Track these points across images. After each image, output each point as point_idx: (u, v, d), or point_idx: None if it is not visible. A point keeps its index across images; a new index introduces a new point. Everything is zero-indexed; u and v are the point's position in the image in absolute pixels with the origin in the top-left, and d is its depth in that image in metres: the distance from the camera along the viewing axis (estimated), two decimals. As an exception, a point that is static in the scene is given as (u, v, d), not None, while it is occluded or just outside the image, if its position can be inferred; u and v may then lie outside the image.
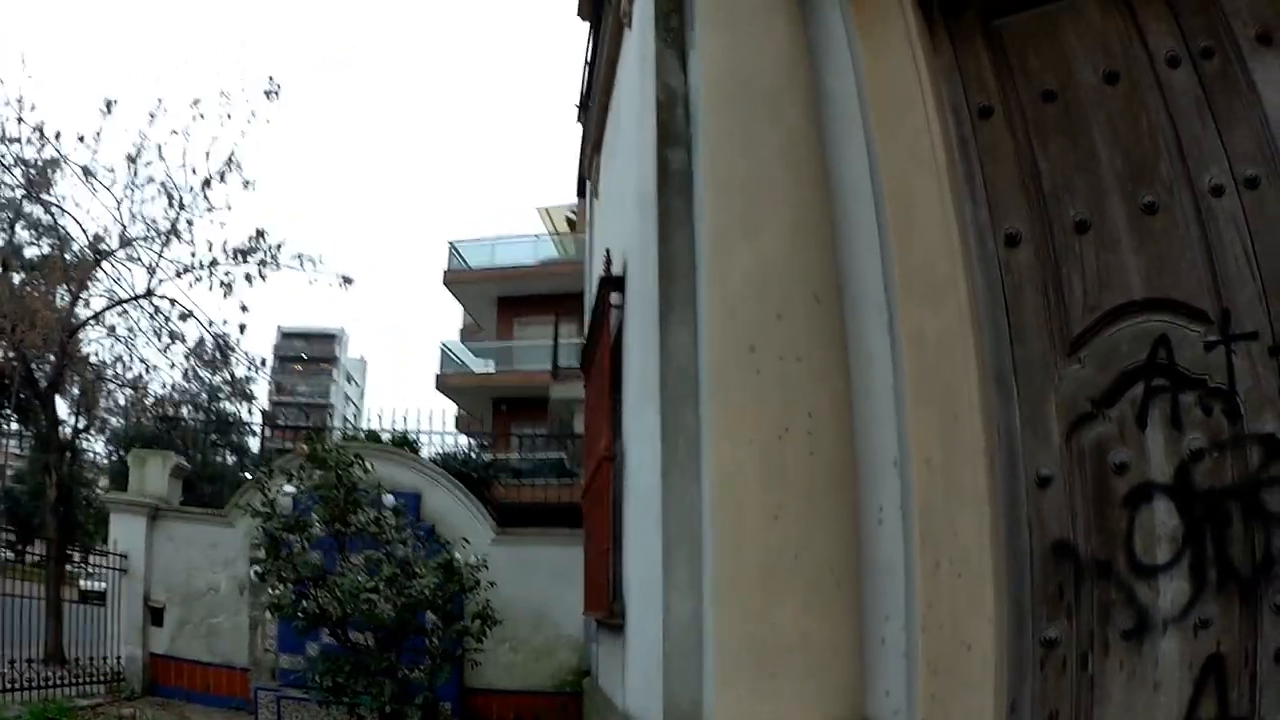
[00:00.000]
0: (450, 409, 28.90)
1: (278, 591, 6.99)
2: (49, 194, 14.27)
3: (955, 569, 3.53)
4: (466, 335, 31.30)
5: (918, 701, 3.52)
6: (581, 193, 12.15)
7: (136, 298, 14.65)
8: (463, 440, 22.65)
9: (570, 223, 29.32)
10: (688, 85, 4.93)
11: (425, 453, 14.02)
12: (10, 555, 20.19)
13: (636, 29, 6.15)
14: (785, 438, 3.45)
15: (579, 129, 10.00)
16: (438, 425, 45.19)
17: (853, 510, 3.58)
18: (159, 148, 14.50)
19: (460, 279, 28.46)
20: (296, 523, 7.24)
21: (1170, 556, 3.53)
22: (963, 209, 3.88)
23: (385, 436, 13.62)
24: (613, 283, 6.48)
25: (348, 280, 15.42)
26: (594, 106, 8.37)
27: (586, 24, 9.30)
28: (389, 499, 7.95)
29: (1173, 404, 3.60)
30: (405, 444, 13.24)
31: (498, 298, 28.64)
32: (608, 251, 6.66)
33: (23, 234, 15.24)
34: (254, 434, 24.50)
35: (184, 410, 17.11)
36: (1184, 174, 3.72)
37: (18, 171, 14.03)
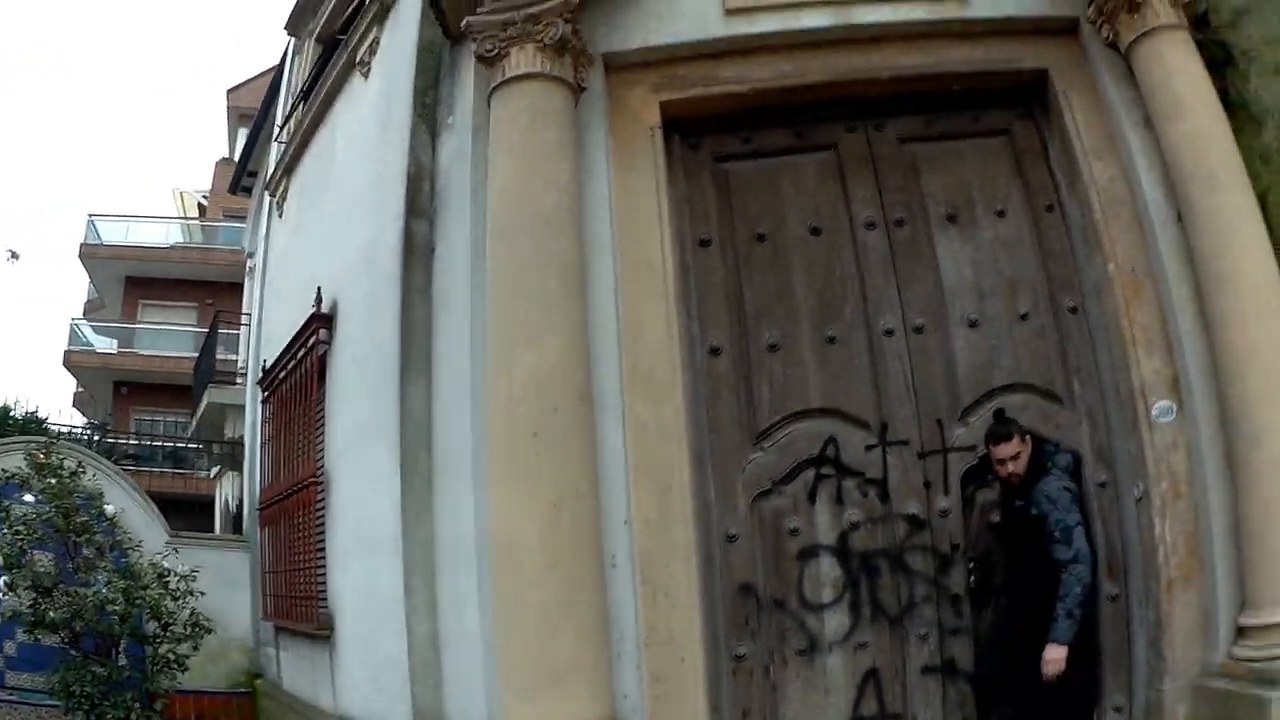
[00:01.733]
0: (71, 387, 26.46)
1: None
2: None
3: (670, 601, 4.55)
4: (88, 311, 28.57)
5: (645, 702, 4.47)
6: (233, 189, 11.83)
7: None
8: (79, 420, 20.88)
9: (201, 208, 27.94)
10: (435, 163, 5.49)
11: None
12: None
13: (376, 85, 6.48)
14: (559, 505, 4.14)
15: (225, 113, 9.90)
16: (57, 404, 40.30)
17: (599, 559, 4.36)
18: None
19: (94, 254, 26.16)
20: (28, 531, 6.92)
21: (834, 597, 4.82)
22: (681, 323, 4.82)
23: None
24: (322, 319, 6.73)
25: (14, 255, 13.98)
26: (295, 131, 8.35)
27: (289, 38, 9.36)
28: (110, 508, 7.76)
29: (837, 487, 4.87)
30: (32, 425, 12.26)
31: (126, 277, 26.60)
32: (319, 289, 6.89)
33: None
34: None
35: None
36: (864, 317, 4.96)
37: None
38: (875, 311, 4.97)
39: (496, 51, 4.72)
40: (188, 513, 13.72)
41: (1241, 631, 4.44)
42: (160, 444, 19.05)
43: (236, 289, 17.02)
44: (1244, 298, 4.46)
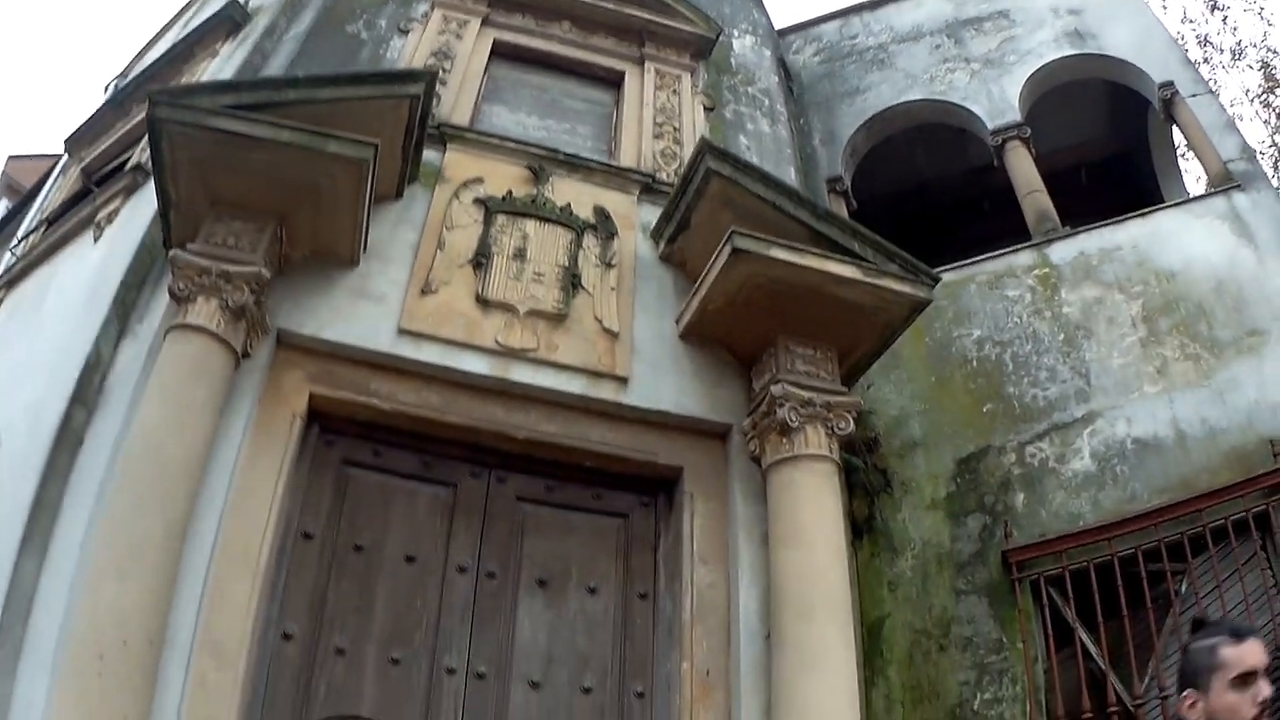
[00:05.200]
0: None
1: None
2: None
3: None
4: None
5: None
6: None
7: None
8: None
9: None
10: (114, 360, 5.45)
11: None
12: None
13: (99, 255, 6.44)
14: None
15: None
16: None
17: None
18: None
19: None
20: None
21: None
22: (263, 604, 4.81)
23: None
24: None
25: None
26: (28, 251, 7.97)
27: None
28: None
29: None
30: None
31: None
32: None
33: None
34: None
35: None
36: (431, 649, 5.01)
37: None
38: (443, 648, 5.04)
39: (187, 294, 4.93)
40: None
41: None
42: None
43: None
44: None
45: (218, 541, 4.80)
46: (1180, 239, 7.22)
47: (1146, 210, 7.64)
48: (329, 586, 5.11)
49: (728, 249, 5.21)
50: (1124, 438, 6.34)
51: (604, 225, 6.12)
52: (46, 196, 9.50)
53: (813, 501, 5.11)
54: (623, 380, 5.52)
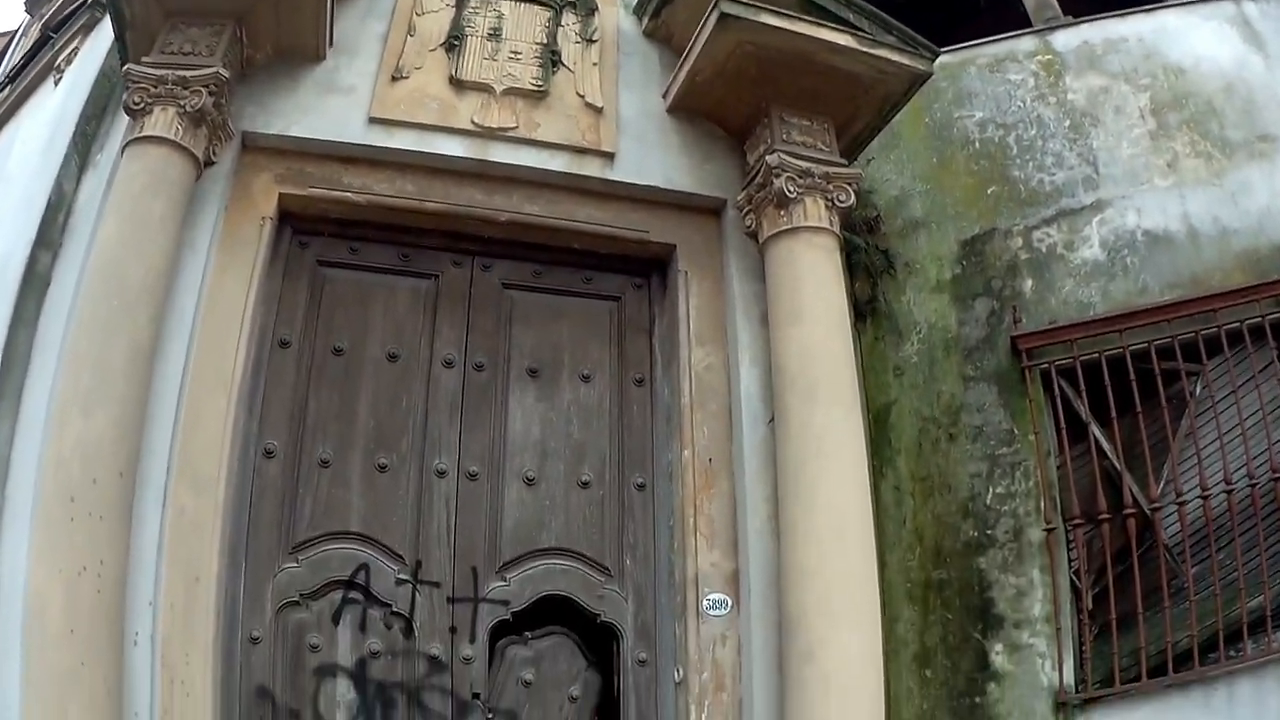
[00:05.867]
0: None
1: None
2: None
3: (185, 689, 4.33)
4: None
5: None
6: None
7: None
8: None
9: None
10: (76, 197, 5.23)
11: None
12: None
13: (59, 98, 6.21)
14: (83, 574, 3.95)
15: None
16: None
17: (121, 635, 4.15)
18: None
19: None
20: None
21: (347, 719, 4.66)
22: (240, 420, 4.65)
23: None
24: None
25: None
26: None
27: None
28: None
29: (363, 614, 4.71)
30: None
31: None
32: None
33: None
34: None
35: None
36: (420, 453, 4.84)
37: None
38: (431, 450, 4.87)
39: (142, 106, 4.60)
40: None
41: None
42: None
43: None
44: (819, 513, 4.44)
45: (189, 361, 4.59)
46: (1187, 38, 6.85)
47: (1152, 6, 7.23)
48: (309, 395, 4.91)
49: (714, 15, 4.84)
50: (1134, 228, 6.08)
51: (583, 1, 5.71)
52: (9, 59, 9.22)
53: (813, 276, 4.85)
54: (609, 156, 5.23)
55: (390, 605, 4.75)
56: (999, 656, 5.25)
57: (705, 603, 4.73)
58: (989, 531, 5.51)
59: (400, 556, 4.78)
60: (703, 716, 4.65)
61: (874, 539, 4.67)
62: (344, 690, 4.69)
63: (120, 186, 4.59)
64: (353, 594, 4.76)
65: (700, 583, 4.75)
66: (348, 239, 5.12)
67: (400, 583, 4.76)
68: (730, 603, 4.76)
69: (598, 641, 5.03)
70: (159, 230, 4.47)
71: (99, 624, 4.05)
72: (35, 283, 5.12)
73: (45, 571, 4.04)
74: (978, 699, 5.24)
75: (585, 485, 4.96)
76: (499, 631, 4.85)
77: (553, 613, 4.95)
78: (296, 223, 5.06)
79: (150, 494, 4.39)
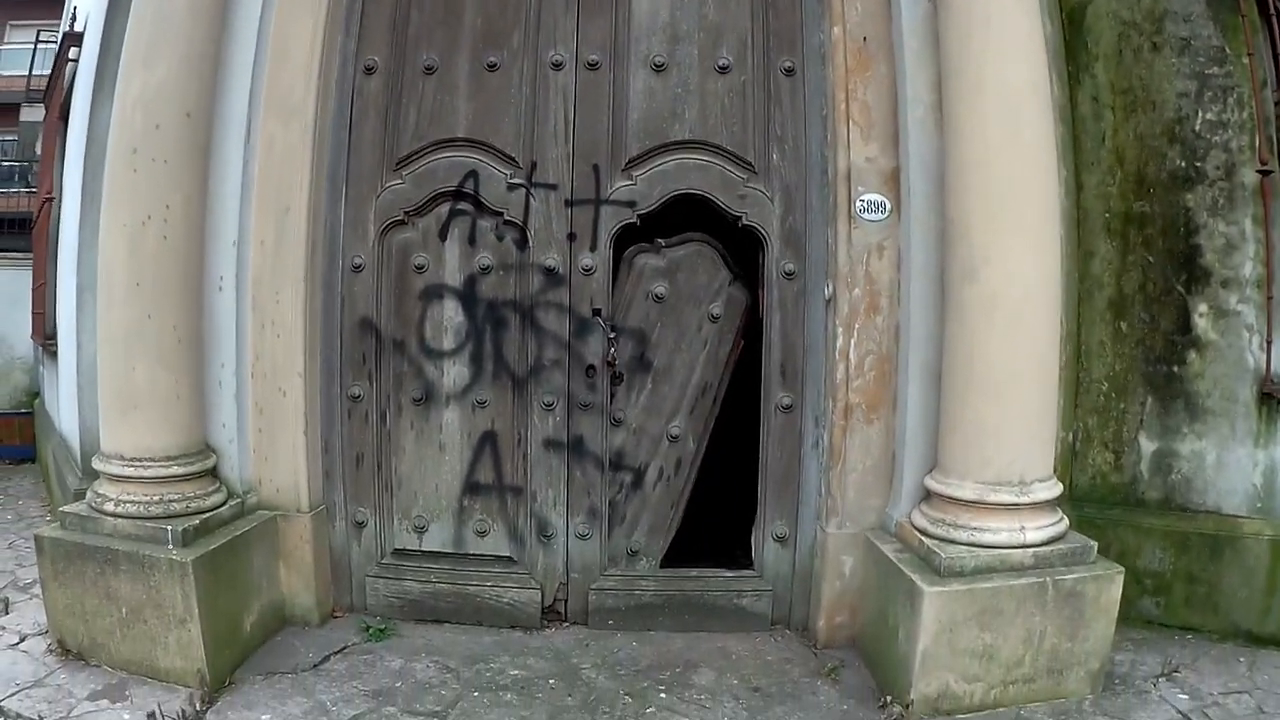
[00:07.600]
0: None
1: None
2: None
3: (276, 330, 4.15)
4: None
5: (248, 433, 4.17)
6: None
7: None
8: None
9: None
10: None
11: None
12: None
13: None
14: (147, 223, 3.76)
15: None
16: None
17: (199, 283, 3.99)
18: None
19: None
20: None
21: (455, 345, 4.35)
22: (334, 40, 4.25)
23: None
24: (74, 38, 6.31)
25: None
26: None
27: None
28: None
29: (472, 226, 4.33)
30: None
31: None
32: (74, 7, 6.49)
33: None
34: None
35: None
36: (533, 46, 4.30)
37: None
38: (546, 41, 4.31)
39: None
40: (11, 231, 12.93)
41: (928, 495, 3.91)
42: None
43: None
44: (989, 97, 3.65)
45: (267, 4, 4.12)
46: None
47: None
48: (410, 4, 4.40)
49: None
50: None
51: None
52: None
53: None
54: None
55: (502, 213, 4.34)
56: (1202, 320, 4.48)
57: (859, 204, 4.11)
58: (1198, 164, 4.60)
59: (512, 159, 4.33)
60: (850, 341, 4.14)
61: (1053, 133, 3.82)
62: (451, 313, 4.39)
63: None
64: (461, 205, 4.37)
65: (853, 180, 4.11)
66: None
67: (512, 187, 4.32)
68: (889, 206, 4.12)
69: (740, 253, 4.49)
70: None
71: (167, 271, 3.84)
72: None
73: (111, 231, 3.85)
74: (1175, 368, 4.52)
75: (724, 70, 4.32)
76: (625, 239, 4.39)
77: (688, 219, 4.44)
78: None
79: (232, 131, 4.10)
